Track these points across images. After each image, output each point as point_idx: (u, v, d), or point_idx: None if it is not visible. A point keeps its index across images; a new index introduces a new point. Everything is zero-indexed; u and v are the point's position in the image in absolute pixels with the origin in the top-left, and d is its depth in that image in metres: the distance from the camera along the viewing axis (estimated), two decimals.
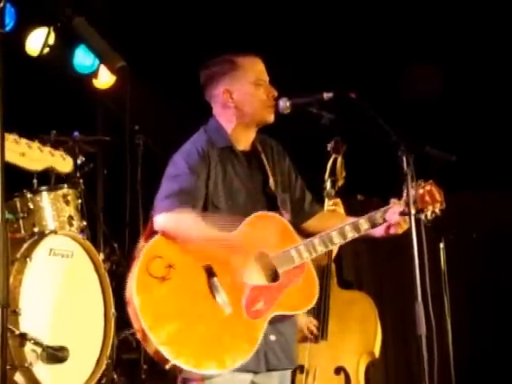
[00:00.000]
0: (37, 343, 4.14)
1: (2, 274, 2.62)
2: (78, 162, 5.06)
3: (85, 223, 4.93)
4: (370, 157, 5.12)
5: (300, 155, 3.79)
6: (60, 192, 4.78)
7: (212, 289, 3.19)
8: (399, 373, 6.02)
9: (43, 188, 4.72)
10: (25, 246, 4.33)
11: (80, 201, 4.94)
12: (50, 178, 4.81)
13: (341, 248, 4.23)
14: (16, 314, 4.08)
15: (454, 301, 4.85)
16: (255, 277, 3.27)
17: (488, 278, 6.00)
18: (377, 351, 4.35)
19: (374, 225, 3.43)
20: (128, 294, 3.15)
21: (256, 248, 3.29)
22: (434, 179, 3.50)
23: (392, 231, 3.45)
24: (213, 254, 3.23)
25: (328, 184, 4.49)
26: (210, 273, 3.20)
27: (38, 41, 6.02)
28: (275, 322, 3.28)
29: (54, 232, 4.48)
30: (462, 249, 5.62)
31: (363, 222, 3.43)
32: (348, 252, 5.87)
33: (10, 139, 2.73)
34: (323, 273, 4.41)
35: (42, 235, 4.43)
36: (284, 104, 3.43)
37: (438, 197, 3.45)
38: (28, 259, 4.24)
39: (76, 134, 5.21)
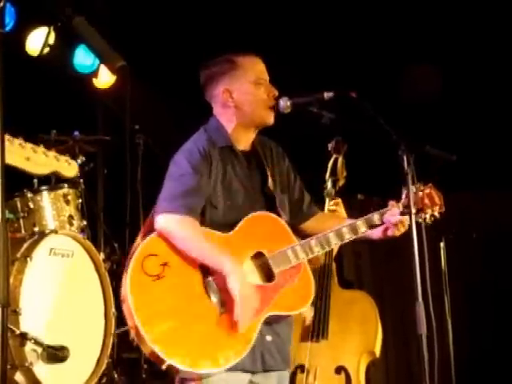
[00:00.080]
0: (37, 343, 4.14)
1: (2, 273, 2.62)
2: (79, 161, 5.05)
3: (85, 223, 4.93)
4: (370, 156, 5.12)
5: (300, 155, 3.80)
6: (60, 192, 4.78)
7: (207, 288, 3.18)
8: (400, 372, 6.02)
9: (43, 188, 4.71)
10: (25, 245, 4.33)
11: (80, 200, 4.94)
12: (50, 178, 4.81)
13: (341, 248, 4.23)
14: (16, 313, 4.08)
15: (454, 300, 4.86)
16: (251, 276, 3.27)
17: (487, 278, 6.00)
18: (377, 351, 4.35)
19: (371, 227, 3.44)
20: (123, 292, 3.15)
21: (253, 248, 3.29)
22: (434, 179, 3.50)
23: (390, 233, 3.45)
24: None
25: (329, 184, 4.49)
26: (205, 272, 3.20)
27: (38, 40, 6.03)
28: (271, 322, 3.28)
29: (55, 232, 4.48)
30: (462, 249, 5.62)
31: (361, 224, 3.43)
32: (349, 252, 5.88)
33: (16, 143, 2.74)
34: (324, 272, 4.41)
35: (43, 235, 4.43)
36: (284, 103, 3.43)
37: (437, 200, 3.45)
38: (28, 259, 4.24)
39: (76, 133, 5.21)
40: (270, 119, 3.46)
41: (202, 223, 3.29)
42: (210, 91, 3.49)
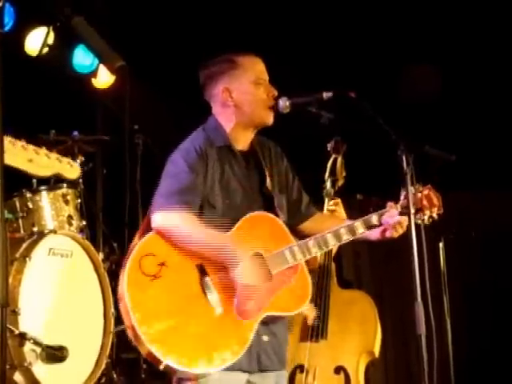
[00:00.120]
0: (36, 343, 4.14)
1: (1, 273, 2.62)
2: (78, 161, 5.05)
3: (84, 223, 4.93)
4: (369, 156, 5.12)
5: (300, 155, 3.80)
6: (59, 191, 4.78)
7: (204, 288, 3.18)
8: (399, 372, 6.02)
9: (42, 187, 4.71)
10: (24, 245, 4.33)
11: (79, 200, 4.94)
12: (49, 178, 4.80)
13: (341, 248, 4.23)
14: (15, 313, 4.08)
15: (453, 300, 4.86)
16: (248, 277, 3.27)
17: (486, 278, 6.00)
18: (377, 351, 4.35)
19: (369, 228, 3.44)
20: (120, 290, 3.15)
21: (250, 248, 3.28)
22: (434, 179, 3.50)
23: (388, 235, 3.45)
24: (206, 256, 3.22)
25: (328, 184, 4.49)
26: (202, 272, 3.19)
27: (37, 40, 6.02)
28: (268, 322, 3.28)
29: (54, 232, 4.48)
30: (461, 249, 5.62)
31: (359, 225, 3.44)
32: (348, 251, 5.88)
33: (18, 145, 2.74)
34: (323, 272, 4.41)
35: (42, 235, 4.43)
36: (283, 103, 3.43)
37: (435, 201, 3.45)
38: (27, 259, 4.24)
39: (75, 133, 5.21)
40: (270, 119, 3.45)
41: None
42: (210, 90, 3.49)
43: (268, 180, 3.47)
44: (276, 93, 3.45)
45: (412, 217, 3.22)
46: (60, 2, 3.77)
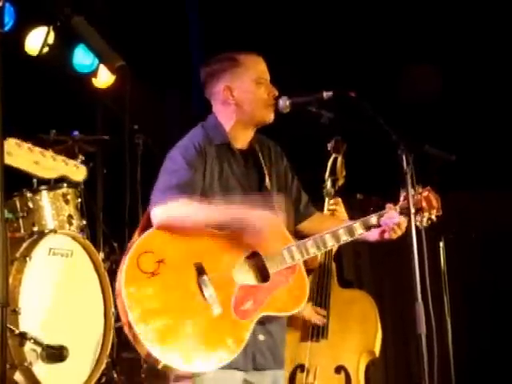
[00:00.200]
0: (36, 342, 4.14)
1: (1, 273, 2.62)
2: (78, 161, 5.05)
3: (84, 222, 4.94)
4: (369, 156, 5.12)
5: (300, 154, 3.80)
6: (59, 191, 4.79)
7: (201, 286, 3.17)
8: (399, 372, 6.02)
9: (43, 187, 4.72)
10: (24, 245, 4.33)
11: (80, 200, 4.95)
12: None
13: (341, 247, 4.23)
14: (16, 313, 4.09)
15: (453, 300, 4.86)
16: (246, 276, 3.26)
17: (487, 278, 6.00)
18: (377, 350, 4.35)
19: (368, 229, 3.44)
20: (117, 287, 3.15)
21: (248, 247, 3.28)
22: (434, 178, 3.50)
23: (386, 236, 3.45)
24: (205, 249, 3.22)
25: (328, 183, 4.49)
26: (200, 270, 3.19)
27: (37, 40, 6.01)
28: (264, 322, 3.28)
29: (54, 231, 4.48)
30: (461, 249, 5.62)
31: (357, 226, 3.43)
32: (348, 251, 5.87)
33: (25, 147, 2.74)
34: (323, 272, 4.41)
35: (42, 234, 4.44)
36: (283, 103, 3.42)
37: (434, 203, 3.45)
38: (27, 258, 4.24)
39: (75, 133, 5.21)
40: (270, 117, 3.45)
41: None
42: (211, 88, 3.48)
43: (267, 179, 3.46)
44: (277, 93, 3.45)
45: (412, 216, 3.22)
46: (60, 1, 3.77)
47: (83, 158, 5.04)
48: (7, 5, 5.70)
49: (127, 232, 5.31)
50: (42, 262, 4.35)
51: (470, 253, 5.91)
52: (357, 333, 4.35)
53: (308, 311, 4.29)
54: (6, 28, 5.61)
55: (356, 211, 4.20)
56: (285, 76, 3.61)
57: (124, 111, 5.26)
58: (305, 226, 3.59)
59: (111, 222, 5.58)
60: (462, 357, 4.97)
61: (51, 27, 4.42)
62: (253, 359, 3.27)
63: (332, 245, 3.43)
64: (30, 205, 4.65)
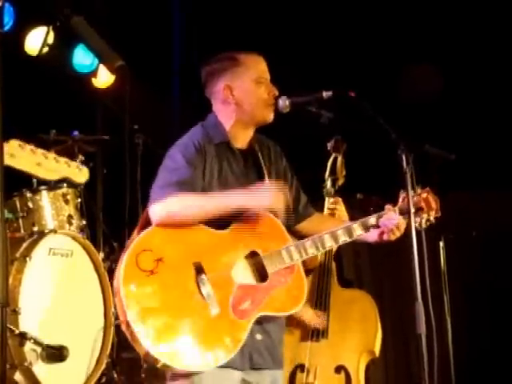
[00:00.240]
0: (36, 342, 4.15)
1: (1, 273, 2.62)
2: (78, 161, 5.05)
3: (84, 222, 4.94)
4: (369, 156, 5.12)
5: (300, 154, 3.80)
6: (59, 191, 4.79)
7: (200, 286, 3.17)
8: (399, 372, 6.02)
9: (43, 187, 4.72)
10: (24, 245, 4.34)
11: (79, 200, 4.95)
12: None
13: (341, 247, 4.22)
14: (16, 313, 4.09)
15: (453, 300, 4.86)
16: (244, 276, 3.26)
17: (487, 278, 5.99)
18: (377, 350, 4.35)
19: (367, 230, 3.44)
20: (115, 285, 3.14)
21: (247, 247, 3.28)
22: (434, 178, 3.50)
23: (385, 237, 3.45)
24: (205, 248, 3.22)
25: (328, 183, 4.49)
26: (199, 269, 3.18)
27: (37, 40, 6.01)
28: (262, 321, 3.27)
29: (54, 231, 4.49)
30: (461, 248, 5.62)
31: (356, 227, 3.43)
32: (348, 251, 5.87)
33: (27, 149, 2.74)
34: (323, 271, 4.41)
35: (42, 234, 4.44)
36: (283, 103, 3.42)
37: (433, 205, 3.45)
38: (27, 258, 4.25)
39: (75, 133, 5.21)
40: (270, 117, 3.44)
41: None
42: (211, 87, 3.48)
43: (266, 179, 3.46)
44: (277, 92, 3.45)
45: (412, 216, 3.22)
46: (60, 1, 3.78)
47: (83, 158, 5.05)
48: (7, 5, 5.70)
49: (127, 232, 5.31)
50: (42, 262, 4.35)
51: (470, 253, 5.91)
52: (357, 332, 4.35)
53: (309, 315, 4.29)
54: (6, 28, 5.61)
55: (356, 211, 4.20)
56: (284, 76, 3.60)
57: (124, 111, 5.26)
58: (303, 226, 3.59)
59: (111, 221, 5.58)
60: (461, 357, 4.97)
61: (51, 27, 4.43)
62: (250, 358, 3.27)
63: (330, 245, 3.43)
64: (30, 205, 4.65)
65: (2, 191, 2.66)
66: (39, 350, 4.16)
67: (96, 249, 4.74)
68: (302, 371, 4.27)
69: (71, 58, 6.31)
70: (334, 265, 4.47)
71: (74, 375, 4.38)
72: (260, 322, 3.26)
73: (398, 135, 3.25)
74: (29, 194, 4.65)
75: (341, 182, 4.51)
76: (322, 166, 4.52)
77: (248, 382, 3.30)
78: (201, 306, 3.15)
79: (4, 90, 2.68)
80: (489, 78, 5.91)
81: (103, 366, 4.52)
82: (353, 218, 3.61)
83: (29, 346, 4.14)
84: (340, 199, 4.42)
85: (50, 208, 4.71)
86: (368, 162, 5.44)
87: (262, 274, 3.28)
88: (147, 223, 3.24)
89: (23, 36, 6.12)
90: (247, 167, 3.46)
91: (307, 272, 3.48)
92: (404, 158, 3.22)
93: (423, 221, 3.42)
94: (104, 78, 6.41)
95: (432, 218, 3.45)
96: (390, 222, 3.40)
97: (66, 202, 4.78)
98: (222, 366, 3.15)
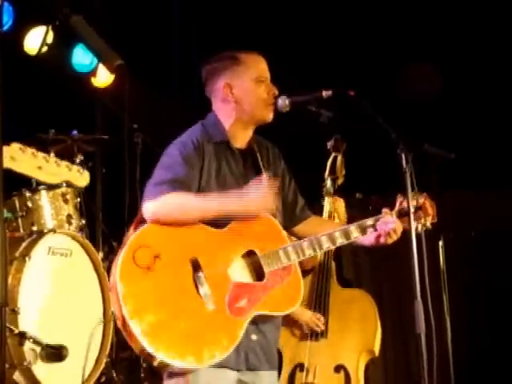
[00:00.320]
0: (36, 342, 4.14)
1: (0, 273, 2.62)
2: (77, 160, 5.06)
3: (84, 222, 4.94)
4: (369, 155, 5.12)
5: (299, 153, 3.80)
6: (59, 191, 4.78)
7: (197, 283, 3.16)
8: (398, 371, 6.02)
9: (42, 187, 4.71)
10: (23, 244, 4.33)
11: (79, 199, 4.95)
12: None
13: (340, 246, 4.24)
14: (15, 312, 4.09)
15: (453, 299, 4.86)
16: (241, 274, 3.26)
17: (486, 277, 6.00)
18: (376, 349, 4.35)
19: (364, 232, 3.44)
20: (112, 280, 3.14)
21: (245, 246, 3.28)
22: (433, 177, 3.50)
23: (382, 241, 3.44)
24: (202, 245, 3.21)
25: (328, 182, 4.49)
26: (196, 266, 3.18)
27: (36, 39, 6.02)
28: (257, 321, 3.27)
29: (53, 231, 4.48)
30: (461, 248, 5.62)
31: (353, 229, 3.43)
32: (348, 250, 5.87)
33: (28, 152, 2.74)
34: (323, 271, 4.41)
35: (41, 234, 4.44)
36: (283, 102, 3.42)
37: (430, 210, 3.45)
38: (27, 258, 4.24)
39: (75, 132, 5.21)
40: (270, 116, 3.44)
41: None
42: (211, 86, 3.48)
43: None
44: (277, 92, 3.45)
45: (412, 216, 3.22)
46: (59, 1, 3.78)
47: (82, 158, 5.05)
48: (6, 4, 5.70)
49: (126, 231, 5.31)
50: (42, 262, 4.35)
51: (470, 252, 5.91)
52: (356, 332, 4.35)
53: (308, 317, 4.29)
54: (5, 27, 5.61)
55: (356, 210, 4.20)
56: (284, 75, 3.60)
57: (123, 110, 5.25)
58: (300, 228, 3.59)
59: (110, 221, 5.58)
60: (461, 356, 4.97)
61: (50, 27, 4.41)
62: (246, 359, 3.26)
63: (328, 247, 3.43)
64: (29, 204, 4.65)
65: (2, 191, 2.65)
66: (38, 349, 4.16)
67: (95, 248, 4.74)
68: (302, 370, 4.28)
69: (70, 57, 6.31)
70: (333, 264, 4.48)
71: (74, 375, 4.38)
72: (255, 322, 3.26)
73: (397, 134, 3.25)
74: (28, 194, 4.65)
75: (340, 181, 4.51)
76: (321, 166, 4.53)
77: (244, 383, 3.30)
78: (197, 303, 3.15)
79: (3, 89, 2.68)
80: (488, 78, 5.91)
81: (102, 366, 4.52)
82: (352, 218, 3.60)
83: (28, 345, 4.13)
84: (339, 199, 4.42)
85: (49, 207, 4.71)
86: (367, 161, 5.45)
87: (258, 274, 3.28)
88: (143, 220, 3.24)
89: (22, 35, 6.12)
90: (246, 167, 3.46)
91: (304, 273, 3.48)
92: (403, 157, 3.22)
93: (419, 226, 3.42)
94: (103, 78, 6.41)
95: (428, 224, 3.45)
96: (387, 225, 3.40)
97: (66, 201, 4.78)
98: (217, 366, 3.14)
